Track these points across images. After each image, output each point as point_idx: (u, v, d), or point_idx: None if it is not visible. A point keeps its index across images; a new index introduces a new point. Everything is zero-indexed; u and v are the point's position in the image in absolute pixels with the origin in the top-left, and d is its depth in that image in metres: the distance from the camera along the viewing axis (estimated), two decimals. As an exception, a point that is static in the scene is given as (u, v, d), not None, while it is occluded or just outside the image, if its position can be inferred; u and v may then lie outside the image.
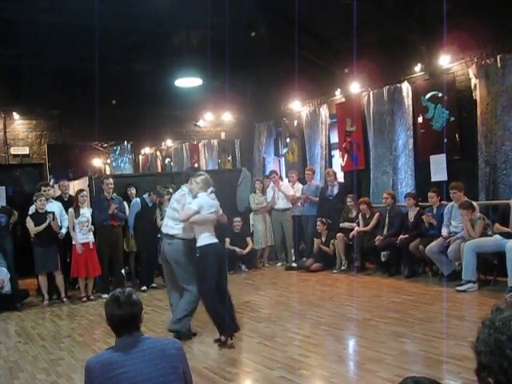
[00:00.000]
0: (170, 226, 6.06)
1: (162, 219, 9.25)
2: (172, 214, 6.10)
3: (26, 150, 11.59)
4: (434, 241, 8.00)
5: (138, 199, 9.43)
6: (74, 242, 8.56)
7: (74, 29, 9.43)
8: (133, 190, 9.75)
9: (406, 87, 9.42)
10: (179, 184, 10.12)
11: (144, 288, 9.26)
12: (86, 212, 8.71)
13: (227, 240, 10.45)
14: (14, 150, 11.46)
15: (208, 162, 13.96)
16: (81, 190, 8.89)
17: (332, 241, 9.72)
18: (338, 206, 10.05)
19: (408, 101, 9.38)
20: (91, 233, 8.70)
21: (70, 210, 8.65)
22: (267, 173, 12.41)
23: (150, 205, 9.41)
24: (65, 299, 8.70)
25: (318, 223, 9.87)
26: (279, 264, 10.85)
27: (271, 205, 10.86)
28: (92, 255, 8.66)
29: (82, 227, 8.59)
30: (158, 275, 9.91)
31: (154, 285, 9.44)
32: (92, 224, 8.74)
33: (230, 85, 12.21)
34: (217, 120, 13.67)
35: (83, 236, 8.58)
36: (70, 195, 9.41)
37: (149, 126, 12.71)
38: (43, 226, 8.38)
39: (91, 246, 8.65)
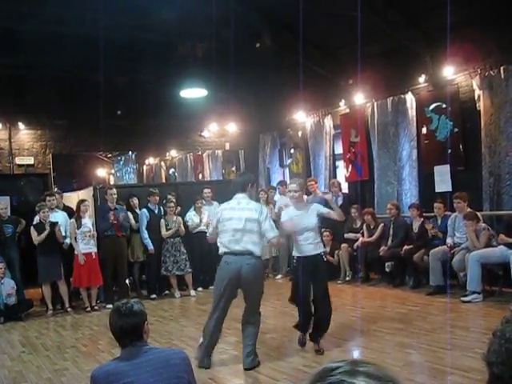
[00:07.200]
0: (249, 241, 5.22)
1: (167, 230, 9.29)
2: (250, 227, 5.23)
3: (30, 160, 11.59)
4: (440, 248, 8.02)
5: (145, 209, 9.45)
6: (76, 253, 8.56)
7: (80, 39, 9.52)
8: (135, 201, 9.74)
9: (410, 98, 9.44)
10: (183, 195, 10.35)
11: (153, 296, 9.32)
12: (88, 222, 8.71)
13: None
14: (18, 160, 11.46)
15: (212, 173, 13.99)
16: (82, 200, 8.89)
17: (336, 251, 9.71)
18: (342, 216, 10.03)
19: (412, 112, 9.40)
20: (94, 243, 8.70)
21: (72, 220, 8.67)
22: (271, 183, 12.43)
23: (156, 211, 9.48)
24: (69, 309, 8.68)
25: (325, 233, 9.85)
26: (279, 276, 10.53)
27: (278, 213, 10.74)
28: (94, 265, 8.64)
29: (84, 237, 8.58)
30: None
31: (166, 292, 9.58)
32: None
33: (235, 95, 12.27)
34: (221, 130, 13.69)
35: (85, 246, 8.58)
36: (66, 206, 9.50)
37: (153, 137, 12.72)
38: (44, 234, 8.37)
39: (93, 256, 8.64)
